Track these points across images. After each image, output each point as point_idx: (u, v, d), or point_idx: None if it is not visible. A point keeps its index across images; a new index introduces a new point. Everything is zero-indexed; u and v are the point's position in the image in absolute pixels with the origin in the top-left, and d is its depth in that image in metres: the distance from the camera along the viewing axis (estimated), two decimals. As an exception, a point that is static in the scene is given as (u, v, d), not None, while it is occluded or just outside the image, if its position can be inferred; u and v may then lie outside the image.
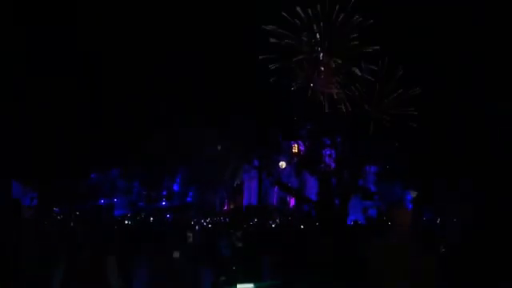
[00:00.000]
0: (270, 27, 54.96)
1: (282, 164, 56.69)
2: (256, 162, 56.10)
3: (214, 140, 53.64)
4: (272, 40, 54.34)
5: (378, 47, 53.62)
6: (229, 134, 52.32)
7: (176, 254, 47.05)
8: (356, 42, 54.26)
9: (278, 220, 62.15)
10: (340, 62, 54.58)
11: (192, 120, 52.64)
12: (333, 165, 54.29)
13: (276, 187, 65.48)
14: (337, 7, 54.47)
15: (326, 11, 54.64)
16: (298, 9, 54.30)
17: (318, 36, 55.29)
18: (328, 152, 54.78)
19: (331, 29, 55.02)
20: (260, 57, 53.92)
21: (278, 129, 54.46)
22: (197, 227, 50.36)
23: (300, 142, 55.93)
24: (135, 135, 56.27)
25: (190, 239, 50.55)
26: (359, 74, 54.33)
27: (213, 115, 52.23)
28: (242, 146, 52.94)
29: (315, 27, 54.93)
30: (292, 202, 79.61)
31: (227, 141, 52.58)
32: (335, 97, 54.24)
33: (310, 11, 54.49)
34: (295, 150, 57.02)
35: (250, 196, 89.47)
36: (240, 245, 27.13)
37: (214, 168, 60.55)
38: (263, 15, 54.10)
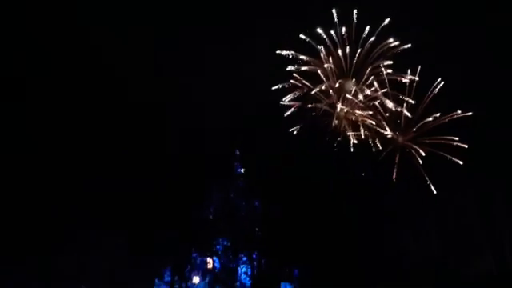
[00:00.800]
0: (286, 53, 54.62)
1: (196, 279, 53.36)
2: (167, 278, 52.03)
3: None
4: (290, 68, 54.27)
5: (415, 77, 53.28)
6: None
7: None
8: (388, 71, 53.81)
9: None
10: (368, 91, 54.24)
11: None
12: (248, 283, 51.29)
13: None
14: (366, 30, 54.11)
15: (352, 34, 54.50)
16: (320, 30, 54.32)
17: (343, 61, 55.04)
18: (244, 269, 51.64)
19: (358, 53, 54.78)
20: (273, 87, 53.67)
21: (193, 244, 51.42)
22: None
23: (216, 259, 52.44)
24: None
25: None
26: (389, 105, 53.62)
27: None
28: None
29: (340, 52, 54.68)
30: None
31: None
32: (360, 124, 54.54)
33: (333, 33, 54.40)
34: (210, 265, 53.01)
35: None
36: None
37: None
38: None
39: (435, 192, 52.44)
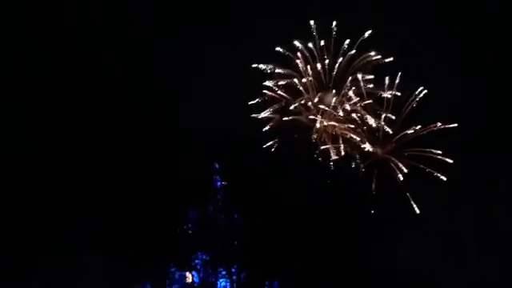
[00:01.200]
0: (264, 67, 54.78)
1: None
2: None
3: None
4: (267, 82, 54.31)
5: (395, 92, 53.05)
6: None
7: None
8: (369, 85, 53.52)
9: None
10: (347, 105, 54.46)
11: None
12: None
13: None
14: (346, 43, 54.11)
15: (331, 47, 54.82)
16: (298, 43, 54.55)
17: (322, 74, 55.50)
18: (223, 283, 51.39)
19: (338, 66, 54.98)
20: (250, 102, 54.17)
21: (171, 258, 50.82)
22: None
23: (194, 273, 51.37)
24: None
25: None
26: (369, 120, 54.01)
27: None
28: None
29: (319, 66, 54.82)
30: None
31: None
32: (340, 137, 54.84)
33: (312, 46, 54.62)
34: (189, 280, 52.25)
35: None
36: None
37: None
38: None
39: (418, 211, 51.95)
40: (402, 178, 52.95)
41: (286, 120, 54.55)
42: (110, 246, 47.52)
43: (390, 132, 53.66)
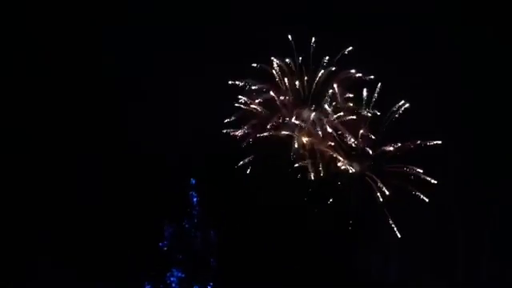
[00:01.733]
0: (241, 82, 53.49)
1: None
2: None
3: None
4: (244, 98, 53.73)
5: (374, 111, 52.40)
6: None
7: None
8: (349, 103, 52.77)
9: None
10: (325, 122, 53.59)
11: None
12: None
13: None
14: (324, 59, 53.11)
15: (310, 63, 53.81)
16: (274, 59, 53.98)
17: (301, 90, 54.63)
18: None
19: (317, 82, 54.11)
20: (225, 120, 53.43)
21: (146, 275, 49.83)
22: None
23: None
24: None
25: None
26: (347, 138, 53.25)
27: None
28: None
29: (298, 83, 54.03)
30: None
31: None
32: (317, 153, 53.66)
33: (290, 61, 53.85)
34: None
35: None
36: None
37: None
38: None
39: (399, 235, 50.28)
40: (381, 199, 51.81)
41: (262, 136, 53.91)
42: (84, 261, 46.94)
43: (370, 152, 53.04)
